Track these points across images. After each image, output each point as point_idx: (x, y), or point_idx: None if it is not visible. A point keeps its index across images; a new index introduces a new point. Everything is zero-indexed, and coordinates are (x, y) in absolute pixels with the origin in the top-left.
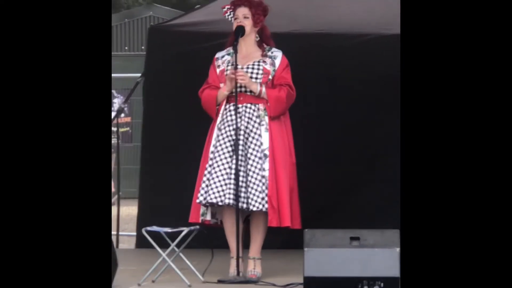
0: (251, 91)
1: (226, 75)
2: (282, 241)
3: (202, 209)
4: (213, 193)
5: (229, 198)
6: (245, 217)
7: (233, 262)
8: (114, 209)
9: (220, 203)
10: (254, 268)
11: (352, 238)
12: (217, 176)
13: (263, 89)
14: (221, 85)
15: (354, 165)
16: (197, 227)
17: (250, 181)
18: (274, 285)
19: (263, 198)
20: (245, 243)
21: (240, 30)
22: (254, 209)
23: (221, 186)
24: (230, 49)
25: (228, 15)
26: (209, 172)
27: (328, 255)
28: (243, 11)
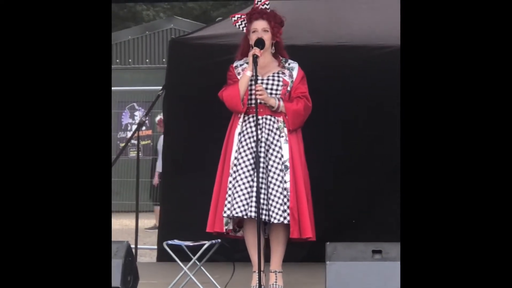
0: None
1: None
2: (304, 254)
3: (226, 219)
4: (239, 206)
5: (251, 211)
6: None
7: (255, 276)
8: (132, 222)
9: (245, 217)
10: (275, 281)
11: (374, 251)
12: (241, 190)
13: (281, 103)
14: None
15: (376, 177)
16: (219, 240)
17: (271, 193)
18: None
19: (284, 211)
20: (267, 257)
21: (260, 43)
22: (275, 221)
23: (246, 199)
24: (247, 59)
25: (239, 25)
26: (233, 186)
27: (350, 269)
28: (262, 24)
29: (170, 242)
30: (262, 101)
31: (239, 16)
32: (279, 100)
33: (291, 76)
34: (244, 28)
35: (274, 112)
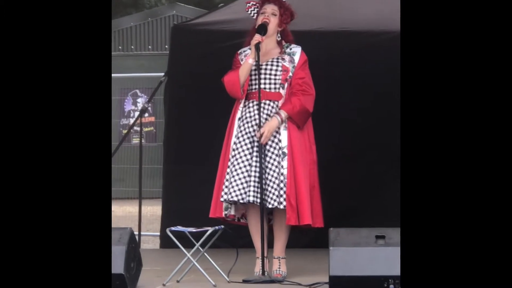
0: (269, 88)
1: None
2: (307, 240)
3: (225, 204)
4: (234, 191)
5: (249, 196)
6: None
7: (258, 262)
8: (136, 209)
9: (241, 201)
10: (279, 267)
11: (378, 237)
12: (237, 174)
13: (283, 115)
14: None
15: (379, 164)
16: (222, 226)
17: (267, 178)
18: (299, 284)
19: (280, 196)
20: (271, 243)
21: (263, 28)
22: (270, 206)
23: (242, 184)
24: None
25: (251, 11)
26: (230, 170)
27: (353, 254)
28: (272, 7)
29: (173, 228)
30: (265, 83)
31: (254, 3)
32: (280, 115)
33: (292, 61)
34: (255, 15)
35: (275, 94)
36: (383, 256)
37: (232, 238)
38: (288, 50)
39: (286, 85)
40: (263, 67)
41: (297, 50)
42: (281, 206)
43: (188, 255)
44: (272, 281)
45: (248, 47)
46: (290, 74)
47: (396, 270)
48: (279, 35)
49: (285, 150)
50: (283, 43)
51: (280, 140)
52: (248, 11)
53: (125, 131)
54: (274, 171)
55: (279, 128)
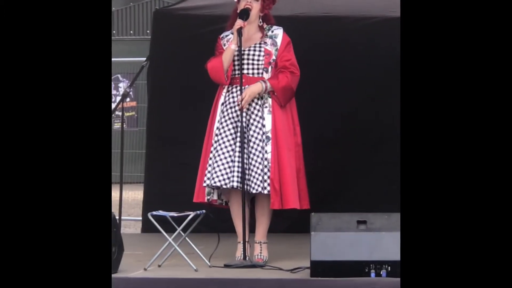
0: (253, 73)
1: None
2: (288, 225)
3: (208, 189)
4: (217, 176)
5: (232, 181)
6: (251, 200)
7: (240, 247)
8: (117, 194)
9: (224, 186)
10: (260, 252)
11: (359, 222)
12: (221, 159)
13: (268, 85)
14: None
15: (360, 149)
16: (203, 211)
17: (251, 164)
18: (280, 269)
19: (264, 181)
20: (252, 228)
21: (245, 13)
22: (254, 191)
23: (225, 169)
24: (233, 29)
25: None
26: (213, 155)
27: (335, 239)
28: None
29: (154, 213)
30: (248, 68)
31: None
32: (265, 82)
33: (274, 44)
34: None
35: (258, 77)
36: (364, 241)
37: (214, 222)
38: (270, 33)
39: (269, 68)
40: (246, 52)
41: (279, 33)
42: (265, 191)
43: (170, 239)
44: (254, 266)
45: (230, 31)
46: (274, 57)
47: (377, 255)
48: (260, 20)
49: (269, 135)
50: (265, 25)
51: (264, 125)
52: None
53: None
54: (258, 156)
55: (262, 112)
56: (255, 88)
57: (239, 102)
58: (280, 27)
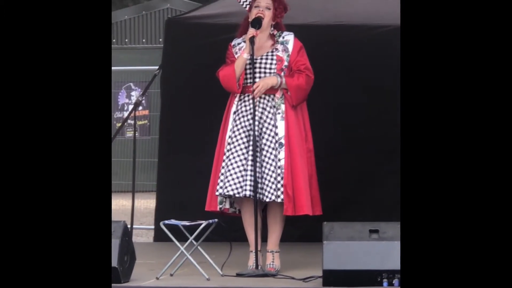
0: None
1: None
2: (300, 233)
3: (220, 198)
4: (230, 185)
5: (245, 190)
6: (263, 209)
7: (252, 256)
8: (129, 202)
9: (237, 195)
10: (272, 261)
11: (371, 231)
12: (233, 168)
13: (283, 80)
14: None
15: (373, 157)
16: (215, 220)
17: (264, 172)
18: (293, 278)
19: (277, 189)
20: (264, 237)
21: (257, 22)
22: (267, 200)
23: (238, 178)
24: (245, 37)
25: (243, 1)
26: (226, 164)
27: (347, 248)
28: (266, 1)
29: (167, 222)
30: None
31: None
32: (280, 77)
33: (285, 50)
34: (248, 6)
35: (275, 89)
36: (376, 250)
37: (226, 231)
38: (280, 39)
39: (282, 74)
40: (258, 61)
41: (289, 38)
42: (278, 200)
43: (182, 248)
44: (266, 275)
45: (241, 38)
46: (286, 63)
47: (389, 264)
48: (272, 28)
49: (282, 141)
50: (275, 32)
51: (276, 134)
52: (240, 2)
53: (119, 125)
54: (271, 164)
55: (275, 120)
56: (270, 80)
57: (252, 90)
58: (291, 33)
